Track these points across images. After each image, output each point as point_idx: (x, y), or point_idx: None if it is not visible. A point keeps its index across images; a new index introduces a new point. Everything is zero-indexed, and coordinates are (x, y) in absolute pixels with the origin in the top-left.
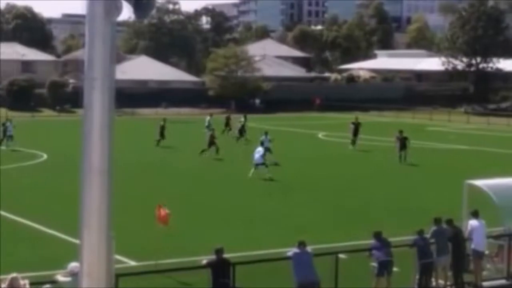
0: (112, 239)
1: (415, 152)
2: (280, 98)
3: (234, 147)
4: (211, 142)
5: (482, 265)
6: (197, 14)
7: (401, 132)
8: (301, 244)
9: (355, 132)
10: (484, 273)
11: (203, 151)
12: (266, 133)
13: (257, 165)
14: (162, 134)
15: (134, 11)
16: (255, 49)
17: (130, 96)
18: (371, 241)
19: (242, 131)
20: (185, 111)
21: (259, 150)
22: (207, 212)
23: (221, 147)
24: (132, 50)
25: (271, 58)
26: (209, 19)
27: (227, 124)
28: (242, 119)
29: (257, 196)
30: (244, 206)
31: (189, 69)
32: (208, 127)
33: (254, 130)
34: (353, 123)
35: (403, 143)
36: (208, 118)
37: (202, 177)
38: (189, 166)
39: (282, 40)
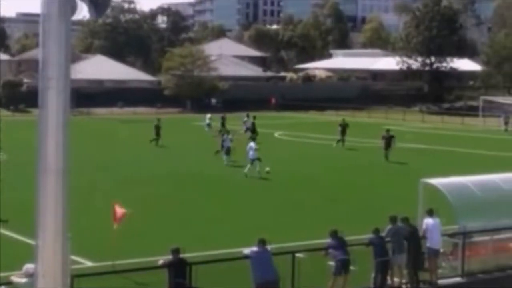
0: (68, 239)
1: (372, 151)
2: (236, 97)
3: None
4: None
5: (437, 263)
6: (153, 13)
7: (388, 131)
8: (261, 242)
9: (343, 133)
10: (440, 271)
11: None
12: (227, 132)
13: (252, 160)
14: (158, 134)
15: (90, 10)
16: (211, 48)
17: (85, 96)
18: (328, 240)
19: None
20: (141, 110)
21: (251, 146)
22: (165, 212)
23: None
24: (88, 50)
25: (227, 57)
26: (165, 18)
27: (223, 124)
28: (246, 119)
29: (215, 196)
30: (201, 206)
31: (145, 69)
32: (208, 125)
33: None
34: (340, 125)
35: (388, 142)
36: (208, 116)
37: (162, 177)
38: (148, 166)
39: (238, 39)
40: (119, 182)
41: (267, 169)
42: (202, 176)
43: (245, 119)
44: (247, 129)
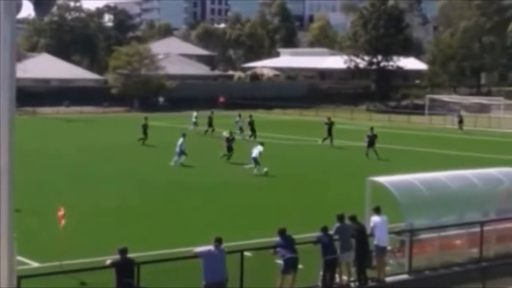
0: (14, 240)
1: (319, 150)
2: (184, 96)
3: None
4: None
5: (384, 260)
6: (99, 11)
7: (371, 129)
8: (217, 241)
9: (329, 132)
10: (387, 268)
11: (225, 155)
12: (183, 135)
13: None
14: (145, 133)
15: (35, 9)
16: (158, 47)
17: (31, 95)
18: (276, 239)
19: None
20: (87, 109)
21: (259, 149)
22: (113, 212)
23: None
24: (33, 48)
25: (174, 56)
26: (111, 17)
27: (210, 124)
28: (237, 119)
29: (164, 196)
30: (150, 206)
31: (91, 67)
32: (195, 123)
33: (158, 129)
34: (326, 123)
35: (371, 140)
36: (194, 114)
37: (110, 178)
38: (99, 167)
39: (185, 38)
40: (66, 182)
41: (265, 169)
42: (152, 177)
43: (237, 119)
44: (241, 129)
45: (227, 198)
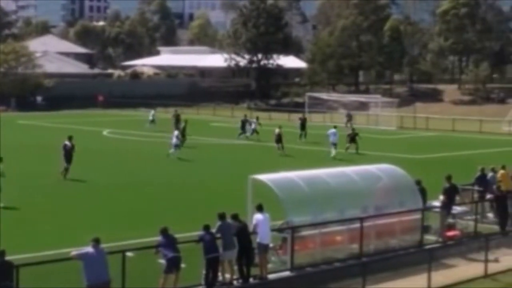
0: None
1: (200, 148)
2: (62, 95)
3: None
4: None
5: (267, 258)
6: None
7: (353, 129)
8: (95, 242)
9: (302, 127)
10: (270, 265)
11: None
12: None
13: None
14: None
15: None
16: (35, 45)
17: None
18: (158, 238)
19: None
20: None
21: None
22: None
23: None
24: None
25: (52, 54)
26: None
27: (177, 122)
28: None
29: (45, 196)
30: (30, 207)
31: None
32: (152, 121)
33: (37, 128)
34: (300, 118)
35: (352, 137)
36: (152, 112)
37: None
38: None
39: (63, 36)
40: None
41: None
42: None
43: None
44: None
45: (108, 199)
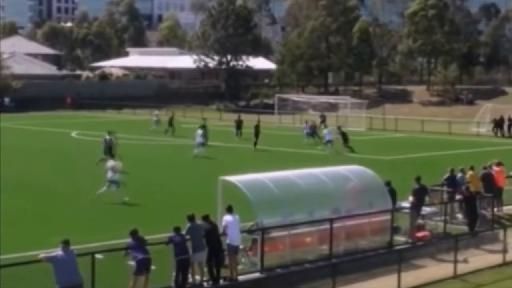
0: None
1: (170, 149)
2: (31, 96)
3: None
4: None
5: (237, 259)
6: None
7: (339, 127)
8: (65, 244)
9: (238, 127)
10: (240, 267)
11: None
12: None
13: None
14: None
15: None
16: (3, 46)
17: None
18: (128, 240)
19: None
20: None
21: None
22: None
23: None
24: None
25: (20, 55)
26: None
27: (171, 123)
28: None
29: (14, 198)
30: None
31: None
32: (157, 122)
33: (4, 130)
34: (235, 120)
35: (345, 137)
36: (156, 112)
37: None
38: None
39: (31, 37)
40: None
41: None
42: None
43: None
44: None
45: (76, 201)
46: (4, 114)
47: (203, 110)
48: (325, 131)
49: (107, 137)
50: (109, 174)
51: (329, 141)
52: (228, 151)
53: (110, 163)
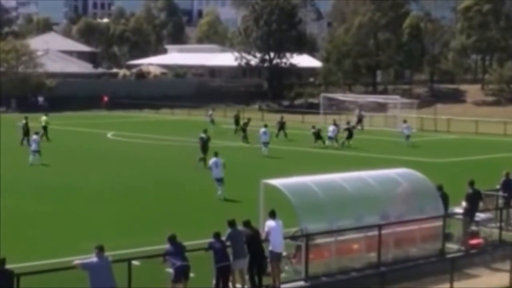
0: None
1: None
2: (65, 95)
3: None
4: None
5: (280, 267)
6: None
7: (348, 123)
8: (98, 249)
9: (237, 123)
10: (282, 275)
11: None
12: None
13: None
14: (27, 133)
15: None
16: (37, 43)
17: None
18: (166, 246)
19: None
20: None
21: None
22: None
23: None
24: None
25: (55, 52)
26: None
27: (237, 122)
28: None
29: (46, 201)
30: (31, 212)
31: None
32: (212, 122)
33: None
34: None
35: (350, 132)
36: (210, 112)
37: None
38: None
39: (66, 33)
40: None
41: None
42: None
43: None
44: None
45: (111, 203)
46: (37, 113)
47: (244, 110)
48: (330, 128)
49: (203, 135)
50: (215, 172)
51: (330, 138)
52: (273, 153)
53: (212, 160)
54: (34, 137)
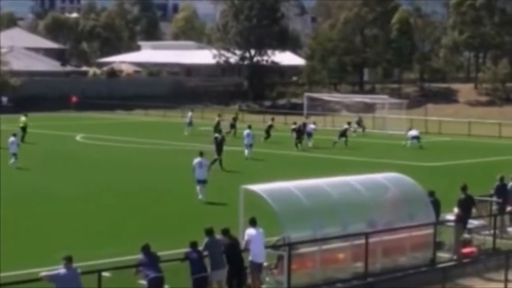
0: None
1: (185, 155)
2: (31, 95)
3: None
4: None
5: (260, 278)
6: None
7: (349, 123)
8: (68, 260)
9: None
10: (263, 286)
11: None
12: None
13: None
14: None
15: None
16: (1, 39)
17: None
18: (139, 256)
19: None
20: None
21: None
22: None
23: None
24: None
25: (20, 49)
26: None
27: (233, 125)
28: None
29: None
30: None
31: None
32: (189, 123)
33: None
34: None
35: (344, 133)
36: (189, 114)
37: None
38: None
39: (32, 29)
40: None
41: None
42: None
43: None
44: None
45: (79, 211)
46: (1, 114)
47: (223, 111)
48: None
49: (218, 135)
50: (198, 173)
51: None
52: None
53: (197, 159)
54: (12, 139)
